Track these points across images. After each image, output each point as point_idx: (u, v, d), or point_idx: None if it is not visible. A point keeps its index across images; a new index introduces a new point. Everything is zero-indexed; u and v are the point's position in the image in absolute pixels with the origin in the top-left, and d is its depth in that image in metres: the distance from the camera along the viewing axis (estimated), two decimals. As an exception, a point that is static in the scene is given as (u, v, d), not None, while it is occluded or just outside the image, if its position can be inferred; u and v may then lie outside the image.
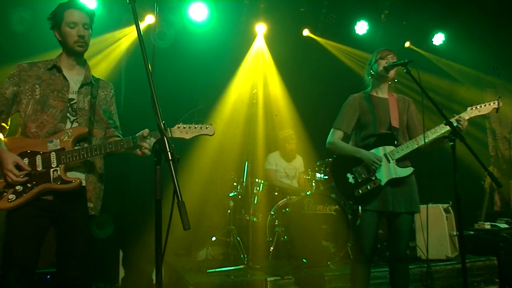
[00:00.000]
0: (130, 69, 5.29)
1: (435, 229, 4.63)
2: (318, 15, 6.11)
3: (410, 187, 2.91)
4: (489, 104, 2.88)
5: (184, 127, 2.41)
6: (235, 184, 5.04)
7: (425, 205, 4.20)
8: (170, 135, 2.34)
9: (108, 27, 5.16)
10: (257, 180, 5.02)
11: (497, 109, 2.89)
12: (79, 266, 2.34)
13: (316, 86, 6.23)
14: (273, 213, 4.78)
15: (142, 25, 5.34)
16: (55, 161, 2.23)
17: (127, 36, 5.31)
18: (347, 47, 6.45)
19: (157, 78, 1.70)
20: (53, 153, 2.24)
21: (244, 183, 4.87)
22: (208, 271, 4.14)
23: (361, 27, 6.20)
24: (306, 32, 6.28)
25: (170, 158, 1.53)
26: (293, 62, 6.27)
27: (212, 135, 2.46)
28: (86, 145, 2.34)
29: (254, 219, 4.75)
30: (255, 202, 4.89)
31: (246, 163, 4.87)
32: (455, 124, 2.66)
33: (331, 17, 6.12)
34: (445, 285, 4.21)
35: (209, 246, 5.11)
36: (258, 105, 5.86)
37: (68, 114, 2.35)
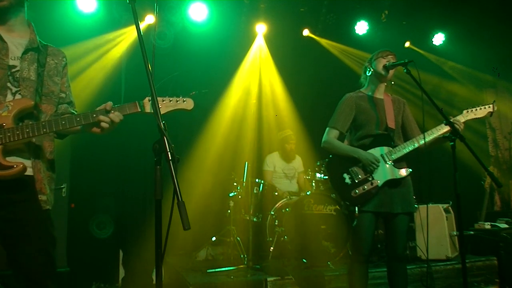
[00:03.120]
0: (130, 69, 5.29)
1: (435, 229, 4.63)
2: (318, 15, 6.10)
3: (407, 188, 2.91)
4: (484, 108, 2.91)
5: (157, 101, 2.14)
6: (235, 184, 5.04)
7: (425, 205, 4.22)
8: (141, 110, 1.98)
9: (108, 27, 5.16)
10: (257, 180, 5.02)
11: (491, 113, 2.92)
12: (54, 272, 1.93)
13: (316, 86, 6.23)
14: (273, 213, 4.78)
15: (142, 25, 5.34)
16: None
17: (127, 36, 5.31)
18: (347, 47, 6.45)
19: (157, 78, 1.70)
20: None
21: (244, 183, 4.87)
22: (208, 271, 4.14)
23: (361, 27, 6.19)
24: (306, 32, 6.28)
25: (170, 158, 1.52)
26: (293, 62, 6.26)
27: (191, 110, 2.10)
28: (31, 122, 1.90)
29: (254, 219, 4.76)
30: (255, 202, 4.89)
31: (246, 163, 4.88)
32: None
33: (331, 17, 6.12)
34: (445, 285, 4.21)
35: (209, 246, 5.11)
36: (258, 105, 5.86)
37: (8, 84, 1.91)
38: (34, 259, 1.85)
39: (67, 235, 4.08)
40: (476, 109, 2.91)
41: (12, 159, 1.82)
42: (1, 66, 1.90)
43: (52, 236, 1.95)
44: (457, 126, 2.78)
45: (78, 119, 1.91)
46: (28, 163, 1.88)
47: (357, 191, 2.83)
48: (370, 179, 2.84)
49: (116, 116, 1.94)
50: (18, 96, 1.92)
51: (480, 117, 2.91)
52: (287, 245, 4.44)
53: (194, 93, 2.11)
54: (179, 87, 2.14)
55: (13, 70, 1.94)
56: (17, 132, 1.81)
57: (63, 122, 1.88)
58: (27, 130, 1.83)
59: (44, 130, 1.85)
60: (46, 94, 2.02)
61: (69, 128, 1.92)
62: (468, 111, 2.92)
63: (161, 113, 1.94)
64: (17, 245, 1.85)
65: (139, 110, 1.97)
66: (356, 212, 2.80)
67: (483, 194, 5.99)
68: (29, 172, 1.89)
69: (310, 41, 6.33)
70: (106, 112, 1.93)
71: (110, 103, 1.96)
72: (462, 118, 2.88)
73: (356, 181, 2.86)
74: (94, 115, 1.92)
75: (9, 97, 1.90)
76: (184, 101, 2.08)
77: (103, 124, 1.93)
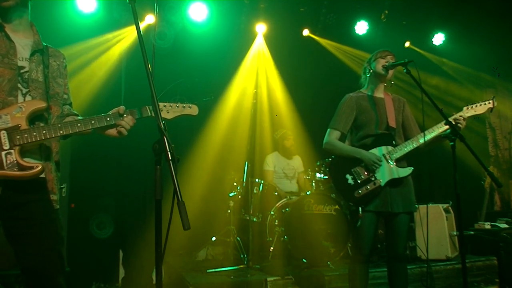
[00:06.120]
0: (130, 69, 5.29)
1: (435, 229, 4.63)
2: (318, 15, 6.10)
3: (408, 187, 2.91)
4: (484, 104, 2.89)
5: (165, 106, 2.13)
6: (235, 184, 5.04)
7: (425, 205, 4.22)
8: (150, 115, 2.03)
9: (108, 27, 5.16)
10: (257, 180, 5.02)
11: (491, 109, 2.89)
12: (64, 269, 1.99)
13: (316, 86, 6.23)
14: (273, 213, 4.78)
15: (142, 25, 5.34)
16: (7, 142, 1.79)
17: (127, 36, 5.31)
18: (347, 47, 6.44)
19: (157, 78, 1.70)
20: (3, 131, 1.80)
21: (244, 183, 4.87)
22: (208, 271, 4.14)
23: (361, 27, 6.19)
24: (306, 32, 6.27)
25: (170, 158, 1.52)
26: (293, 62, 6.26)
27: (196, 115, 2.21)
28: (42, 124, 1.92)
29: (254, 219, 4.75)
30: (255, 202, 4.89)
31: (246, 163, 4.87)
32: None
33: (331, 17, 6.12)
34: (445, 285, 4.21)
35: (209, 246, 5.11)
36: (258, 105, 5.86)
37: (19, 85, 1.92)
38: (47, 256, 1.89)
39: (67, 235, 4.08)
40: (476, 105, 2.89)
41: (26, 160, 1.84)
42: (11, 66, 1.91)
43: (61, 235, 2.01)
44: (460, 123, 2.78)
45: (93, 122, 1.95)
46: (39, 163, 1.89)
47: (360, 191, 2.83)
48: (373, 179, 2.84)
49: (130, 120, 2.02)
50: (28, 98, 1.93)
51: (481, 113, 2.88)
52: (287, 245, 4.44)
53: (197, 102, 2.23)
54: (183, 91, 2.21)
55: (22, 71, 1.95)
56: (34, 133, 1.83)
57: (79, 125, 1.92)
58: (44, 131, 1.85)
59: (61, 132, 1.88)
60: (52, 95, 2.04)
61: (84, 130, 1.94)
62: (468, 108, 2.90)
63: (169, 118, 2.11)
64: (30, 243, 1.86)
65: (150, 115, 2.03)
66: (360, 212, 2.80)
67: (483, 194, 5.99)
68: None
69: (310, 41, 6.33)
70: (119, 115, 1.99)
71: (122, 107, 2.01)
72: (463, 114, 2.86)
73: (359, 181, 2.86)
74: (108, 118, 1.97)
75: (20, 98, 1.91)
76: (190, 107, 2.18)
77: (120, 129, 2.00)
